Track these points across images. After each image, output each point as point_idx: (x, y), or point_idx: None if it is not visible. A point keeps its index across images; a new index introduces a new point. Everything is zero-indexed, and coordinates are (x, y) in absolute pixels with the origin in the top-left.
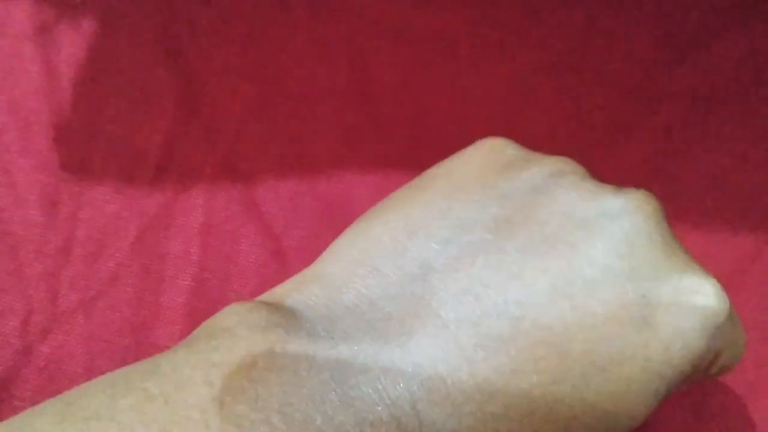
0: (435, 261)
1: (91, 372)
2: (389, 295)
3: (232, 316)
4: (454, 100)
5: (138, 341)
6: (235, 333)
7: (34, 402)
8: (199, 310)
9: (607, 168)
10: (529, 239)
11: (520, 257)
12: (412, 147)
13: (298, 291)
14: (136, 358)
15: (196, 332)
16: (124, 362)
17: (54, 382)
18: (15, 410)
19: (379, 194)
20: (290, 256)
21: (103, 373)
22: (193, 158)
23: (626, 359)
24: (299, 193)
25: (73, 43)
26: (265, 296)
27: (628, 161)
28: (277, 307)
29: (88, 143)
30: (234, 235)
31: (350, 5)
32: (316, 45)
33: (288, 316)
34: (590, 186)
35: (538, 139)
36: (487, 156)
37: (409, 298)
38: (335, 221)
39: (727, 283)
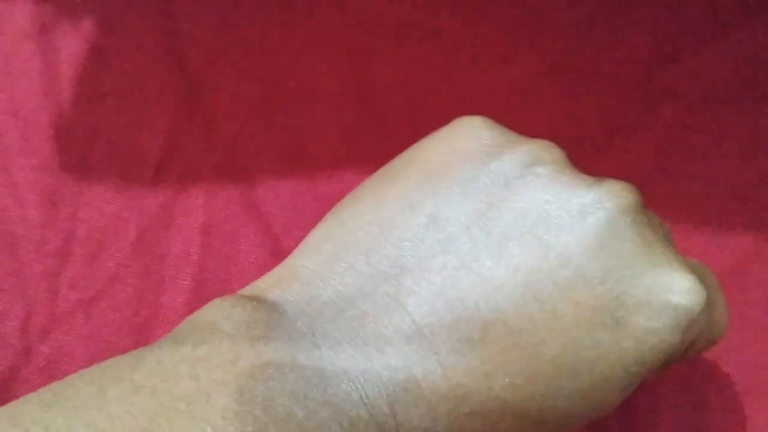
0: (408, 260)
1: None
2: (365, 292)
3: (217, 311)
4: (454, 100)
5: (138, 341)
6: (220, 328)
7: None
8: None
9: (607, 168)
10: (502, 237)
11: (492, 257)
12: None
13: (278, 287)
14: None
15: (180, 326)
16: None
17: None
18: None
19: None
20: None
21: None
22: (193, 158)
23: (598, 359)
24: (299, 193)
25: (73, 43)
26: (247, 290)
27: (628, 161)
28: (259, 303)
29: (88, 143)
30: (234, 235)
31: (350, 5)
32: (316, 45)
33: (270, 312)
34: (566, 178)
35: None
36: (462, 140)
37: (384, 297)
38: None
39: (727, 283)
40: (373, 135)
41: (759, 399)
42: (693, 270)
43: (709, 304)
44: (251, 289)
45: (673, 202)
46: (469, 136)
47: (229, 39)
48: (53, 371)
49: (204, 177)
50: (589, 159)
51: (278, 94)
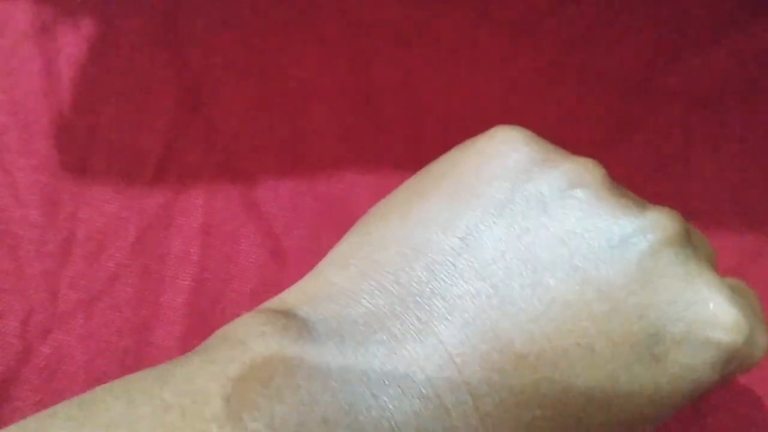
0: (439, 284)
1: (90, 372)
2: (395, 313)
3: (248, 328)
4: (454, 100)
5: (138, 341)
6: (251, 347)
7: (34, 402)
8: (199, 310)
9: (607, 167)
10: (538, 265)
11: (528, 287)
12: (412, 147)
13: (307, 303)
14: (136, 358)
15: (209, 341)
16: (123, 362)
17: (54, 382)
18: (15, 410)
19: (379, 194)
20: (290, 256)
21: (102, 372)
22: (193, 158)
23: (633, 394)
24: (299, 193)
25: (73, 43)
26: (275, 303)
27: (628, 161)
28: (289, 320)
29: (88, 143)
30: (234, 235)
31: (350, 5)
32: (316, 45)
33: (301, 331)
34: (608, 203)
35: None
36: (499, 154)
37: (415, 321)
38: (335, 221)
39: None
40: (373, 135)
41: (759, 399)
42: (736, 299)
43: (750, 335)
44: (279, 303)
45: (673, 202)
46: (506, 151)
47: (229, 39)
48: (53, 371)
49: (204, 177)
50: None
51: (278, 94)
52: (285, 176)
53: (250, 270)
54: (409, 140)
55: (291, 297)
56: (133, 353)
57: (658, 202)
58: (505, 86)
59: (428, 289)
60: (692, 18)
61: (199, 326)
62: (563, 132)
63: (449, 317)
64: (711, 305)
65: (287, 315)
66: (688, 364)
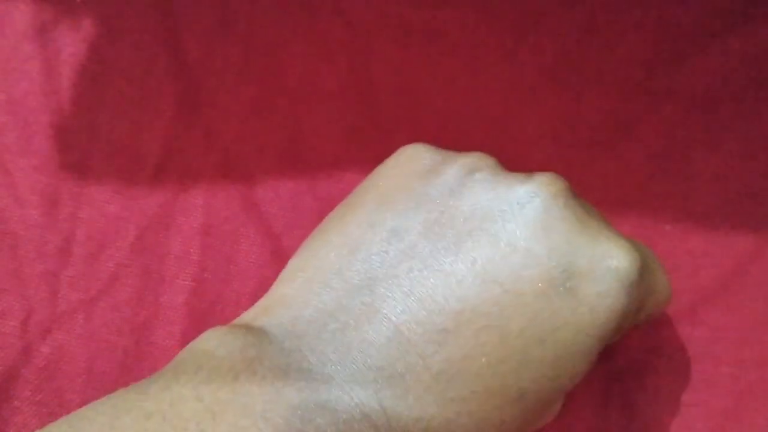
0: (377, 271)
1: (90, 372)
2: (342, 305)
3: (211, 341)
4: (454, 100)
5: (138, 341)
6: (216, 354)
7: (34, 401)
8: (199, 309)
9: (607, 168)
10: (456, 236)
11: (451, 255)
12: None
13: (264, 314)
14: (136, 358)
15: (179, 356)
16: (123, 362)
17: (54, 382)
18: (15, 410)
19: None
20: (290, 256)
21: (102, 373)
22: (193, 158)
23: (559, 327)
24: (299, 193)
25: (73, 43)
26: (237, 320)
27: (628, 161)
28: (249, 329)
29: (88, 143)
30: (234, 235)
31: (350, 5)
32: (316, 45)
33: (260, 336)
34: (501, 178)
35: (537, 139)
36: (407, 164)
37: (360, 307)
38: None
39: (727, 283)
40: (373, 135)
41: (759, 399)
42: (621, 235)
43: (647, 268)
44: (239, 321)
45: (673, 202)
46: (412, 160)
47: (229, 39)
48: (53, 371)
49: (204, 177)
50: (589, 159)
51: (278, 94)
52: (285, 176)
53: (250, 270)
54: (409, 140)
55: (248, 314)
56: (133, 353)
57: (658, 202)
58: (505, 86)
59: (368, 278)
60: (692, 18)
61: (199, 326)
62: (563, 132)
63: (390, 294)
64: (603, 240)
65: (246, 326)
66: (599, 291)
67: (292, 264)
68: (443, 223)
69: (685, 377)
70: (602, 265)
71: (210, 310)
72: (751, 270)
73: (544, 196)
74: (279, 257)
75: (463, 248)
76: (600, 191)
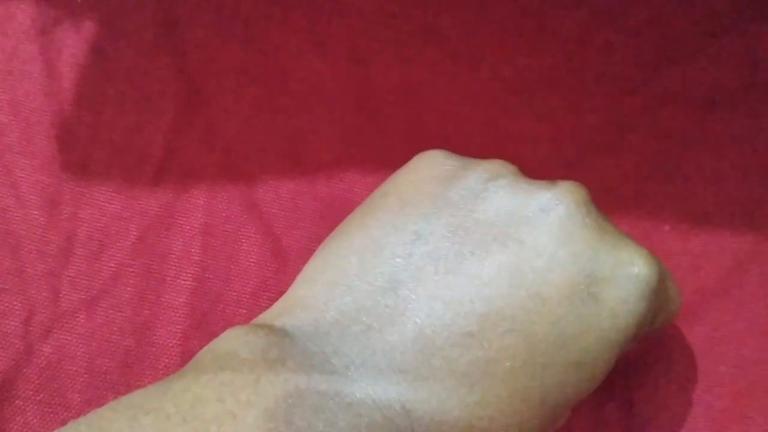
0: (401, 274)
1: (92, 372)
2: (365, 308)
3: (232, 340)
4: (454, 100)
5: (139, 341)
6: (238, 355)
7: (36, 401)
8: (200, 309)
9: (607, 168)
10: (482, 240)
11: (476, 258)
12: (412, 147)
13: (285, 315)
14: (138, 358)
15: (199, 356)
16: (125, 362)
17: (55, 382)
18: (17, 410)
19: None
20: (290, 256)
21: (104, 372)
22: (193, 158)
23: (582, 332)
24: (299, 193)
25: (74, 43)
26: (256, 321)
27: (628, 161)
28: (271, 329)
29: (89, 143)
30: (235, 235)
31: (350, 5)
32: (316, 45)
33: (282, 337)
34: (524, 185)
35: (538, 139)
36: (427, 170)
37: (384, 309)
38: (335, 221)
39: (727, 283)
40: (373, 135)
41: (759, 399)
42: (641, 244)
43: (662, 277)
44: (258, 320)
45: (673, 202)
46: (432, 166)
47: (229, 39)
48: (55, 371)
49: (205, 177)
50: (589, 159)
51: (278, 95)
52: (285, 176)
53: (251, 270)
54: (409, 140)
55: (267, 315)
56: (135, 353)
57: (658, 203)
58: (505, 86)
59: (393, 280)
60: (692, 19)
61: (200, 326)
62: (563, 132)
63: (414, 297)
64: (624, 247)
65: (267, 326)
66: (621, 296)
67: (311, 266)
68: (467, 227)
69: (685, 377)
70: (624, 271)
71: (211, 310)
72: (751, 270)
73: (568, 204)
74: (279, 257)
75: (488, 252)
76: (600, 191)
